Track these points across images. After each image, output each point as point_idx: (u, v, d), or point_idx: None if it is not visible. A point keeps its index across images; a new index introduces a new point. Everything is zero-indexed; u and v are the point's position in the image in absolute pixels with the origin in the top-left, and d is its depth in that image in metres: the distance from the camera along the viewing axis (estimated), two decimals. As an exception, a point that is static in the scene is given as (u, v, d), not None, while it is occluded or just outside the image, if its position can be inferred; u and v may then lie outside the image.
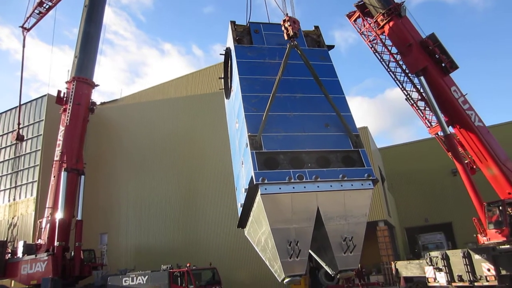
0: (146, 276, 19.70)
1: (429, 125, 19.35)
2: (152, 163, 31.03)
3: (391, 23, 18.91)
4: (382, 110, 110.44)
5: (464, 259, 14.20)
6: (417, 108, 19.65)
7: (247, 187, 7.81)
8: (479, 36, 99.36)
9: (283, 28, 9.26)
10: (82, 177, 25.24)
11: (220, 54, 11.58)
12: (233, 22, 10.80)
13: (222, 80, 12.06)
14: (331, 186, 7.49)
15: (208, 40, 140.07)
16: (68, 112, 25.34)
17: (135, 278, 19.97)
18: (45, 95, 34.86)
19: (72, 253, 23.44)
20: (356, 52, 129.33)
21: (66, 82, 26.91)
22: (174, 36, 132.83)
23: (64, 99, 26.26)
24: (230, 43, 10.77)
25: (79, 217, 24.44)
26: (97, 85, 27.80)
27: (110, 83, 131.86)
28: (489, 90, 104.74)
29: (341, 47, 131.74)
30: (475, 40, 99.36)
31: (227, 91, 11.64)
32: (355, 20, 20.68)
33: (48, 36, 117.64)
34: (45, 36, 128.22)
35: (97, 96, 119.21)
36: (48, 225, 23.29)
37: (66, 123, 25.18)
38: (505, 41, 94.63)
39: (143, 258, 27.67)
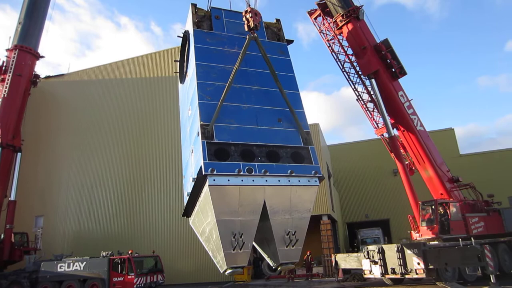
0: (84, 262, 18.91)
1: (376, 126, 20.25)
2: (98, 145, 29.65)
3: (349, 25, 19.46)
4: (336, 108, 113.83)
5: (398, 253, 15.06)
6: (366, 109, 20.48)
7: (195, 177, 7.72)
8: (431, 46, 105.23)
9: (244, 19, 9.16)
10: (19, 154, 23.60)
11: (178, 36, 11.26)
12: (194, 5, 10.51)
13: (178, 63, 11.75)
14: (279, 181, 7.61)
15: (168, 18, 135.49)
16: (7, 83, 23.46)
17: (71, 264, 19.08)
18: (-20, 62, 31.92)
19: (2, 236, 21.91)
20: (317, 46, 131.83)
21: (7, 50, 24.83)
22: (132, 9, 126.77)
23: (3, 68, 24.27)
24: (189, 26, 10.49)
25: (12, 198, 22.90)
26: (42, 57, 25.98)
27: (57, 53, 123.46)
28: (433, 98, 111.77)
29: (303, 40, 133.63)
30: (427, 50, 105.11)
31: (182, 75, 11.37)
32: (315, 18, 21.02)
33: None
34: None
35: (41, 67, 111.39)
36: (-24, 204, 21.58)
37: (4, 94, 23.29)
38: (452, 53, 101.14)
39: (82, 243, 26.48)
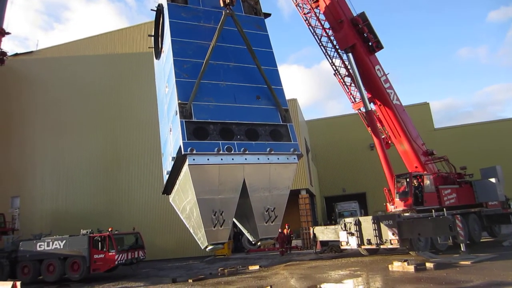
0: (64, 241, 18.76)
1: (353, 100, 20.44)
2: (74, 122, 28.88)
3: (326, -2, 19.21)
4: (317, 81, 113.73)
5: (373, 224, 15.56)
6: (343, 83, 20.57)
7: (175, 156, 7.67)
8: (412, 19, 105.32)
9: (219, -6, 8.90)
10: (-11, 134, 22.74)
11: (152, 9, 10.87)
12: (167, -23, 10.08)
13: (152, 38, 11.41)
14: (258, 159, 7.64)
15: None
16: (-28, 61, 22.32)
17: (51, 243, 18.90)
18: None
19: (-23, 218, 21.45)
20: (298, 17, 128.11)
21: (-31, 26, 23.50)
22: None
23: (-33, 45, 23.03)
24: (163, 0, 10.13)
25: (-15, 178, 22.23)
26: (8, 33, 24.68)
27: (24, 26, 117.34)
28: (412, 73, 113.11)
29: (284, 10, 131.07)
30: (408, 24, 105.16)
31: (157, 51, 11.05)
32: (292, -10, 20.59)
33: None
34: None
35: (7, 42, 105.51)
36: None
37: (-31, 72, 22.19)
38: (434, 26, 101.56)
39: (61, 223, 26.16)
